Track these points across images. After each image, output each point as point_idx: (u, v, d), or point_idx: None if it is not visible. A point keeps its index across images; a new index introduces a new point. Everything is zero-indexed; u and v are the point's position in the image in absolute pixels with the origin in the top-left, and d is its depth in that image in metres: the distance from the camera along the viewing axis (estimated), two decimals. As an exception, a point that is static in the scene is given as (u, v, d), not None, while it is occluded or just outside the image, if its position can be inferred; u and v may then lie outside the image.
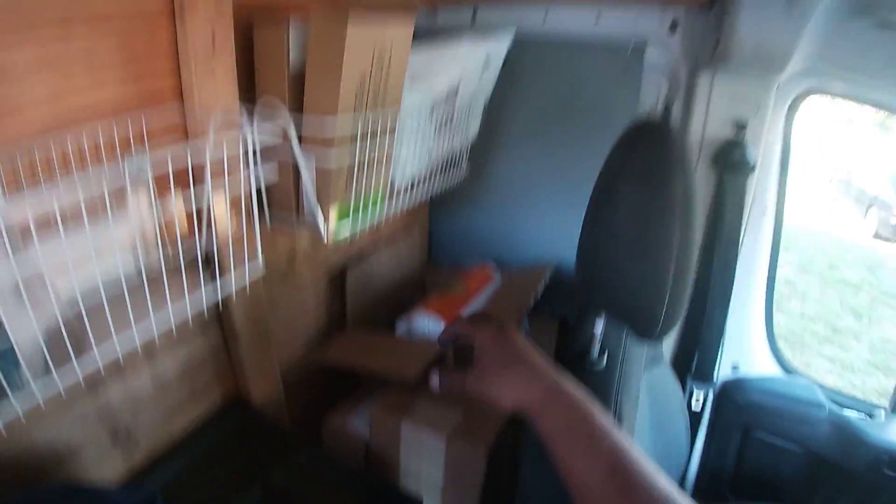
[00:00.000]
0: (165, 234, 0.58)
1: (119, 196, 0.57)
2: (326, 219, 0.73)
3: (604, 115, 1.02)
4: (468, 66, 0.89)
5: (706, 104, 0.91)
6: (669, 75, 0.94)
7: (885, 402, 1.10)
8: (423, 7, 1.05)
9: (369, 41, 0.66)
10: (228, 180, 0.59)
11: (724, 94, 0.90)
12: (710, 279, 0.99)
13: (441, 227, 1.34)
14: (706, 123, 0.93)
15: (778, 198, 1.07)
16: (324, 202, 0.73)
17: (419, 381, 0.82)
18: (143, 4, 0.61)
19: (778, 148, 1.01)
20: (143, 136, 0.62)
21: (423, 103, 0.82)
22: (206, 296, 0.61)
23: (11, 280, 0.43)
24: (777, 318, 1.18)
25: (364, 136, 0.71)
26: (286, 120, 0.64)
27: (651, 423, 0.72)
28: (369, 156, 0.73)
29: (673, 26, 0.91)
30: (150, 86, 0.64)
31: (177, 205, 0.62)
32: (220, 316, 0.78)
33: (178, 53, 0.65)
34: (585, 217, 0.58)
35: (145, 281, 0.54)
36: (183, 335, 0.70)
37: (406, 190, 0.89)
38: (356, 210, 0.78)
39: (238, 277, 0.65)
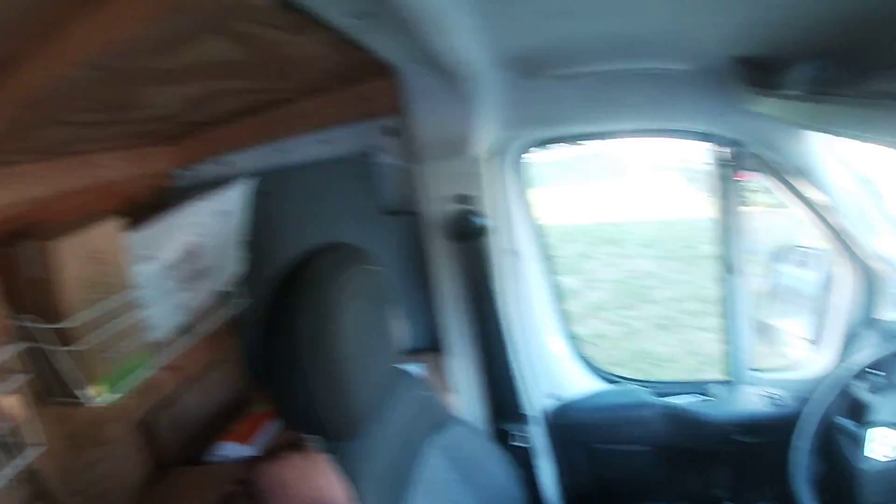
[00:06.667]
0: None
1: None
2: (90, 391, 0.83)
3: (355, 212, 1.13)
4: (201, 224, 0.99)
5: (427, 189, 1.05)
6: (399, 172, 1.09)
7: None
8: (176, 169, 1.15)
9: (80, 248, 0.78)
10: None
11: (440, 176, 1.04)
12: (487, 335, 1.10)
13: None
14: (430, 205, 1.06)
15: (537, 241, 1.22)
16: (87, 378, 0.83)
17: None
18: None
19: (518, 201, 1.16)
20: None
21: (156, 272, 0.92)
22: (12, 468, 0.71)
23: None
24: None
25: (103, 320, 0.82)
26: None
27: (462, 477, 0.78)
28: (114, 332, 0.84)
29: (391, 132, 1.06)
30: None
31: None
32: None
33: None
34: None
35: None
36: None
37: (172, 341, 0.99)
38: (121, 375, 0.88)
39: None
